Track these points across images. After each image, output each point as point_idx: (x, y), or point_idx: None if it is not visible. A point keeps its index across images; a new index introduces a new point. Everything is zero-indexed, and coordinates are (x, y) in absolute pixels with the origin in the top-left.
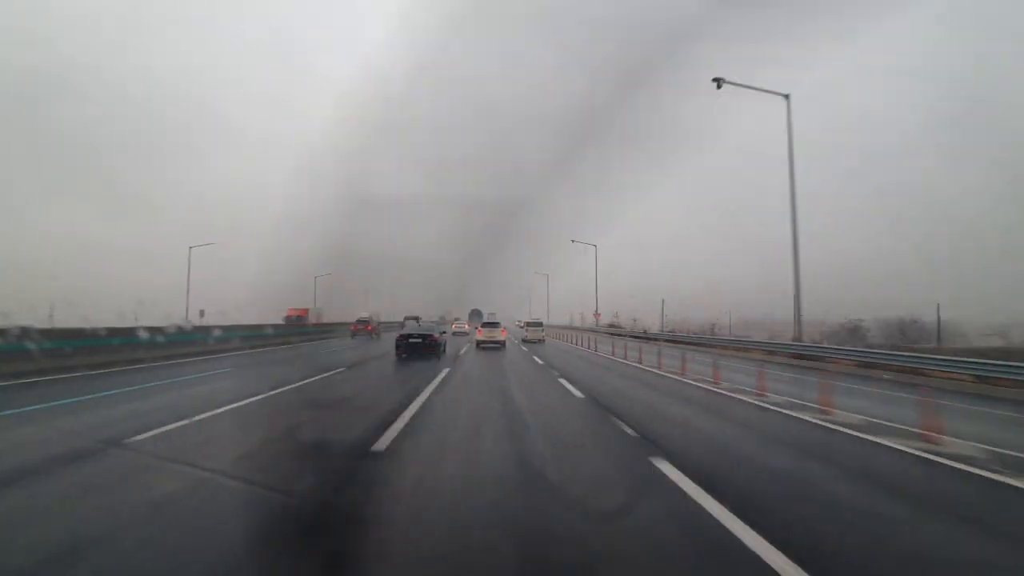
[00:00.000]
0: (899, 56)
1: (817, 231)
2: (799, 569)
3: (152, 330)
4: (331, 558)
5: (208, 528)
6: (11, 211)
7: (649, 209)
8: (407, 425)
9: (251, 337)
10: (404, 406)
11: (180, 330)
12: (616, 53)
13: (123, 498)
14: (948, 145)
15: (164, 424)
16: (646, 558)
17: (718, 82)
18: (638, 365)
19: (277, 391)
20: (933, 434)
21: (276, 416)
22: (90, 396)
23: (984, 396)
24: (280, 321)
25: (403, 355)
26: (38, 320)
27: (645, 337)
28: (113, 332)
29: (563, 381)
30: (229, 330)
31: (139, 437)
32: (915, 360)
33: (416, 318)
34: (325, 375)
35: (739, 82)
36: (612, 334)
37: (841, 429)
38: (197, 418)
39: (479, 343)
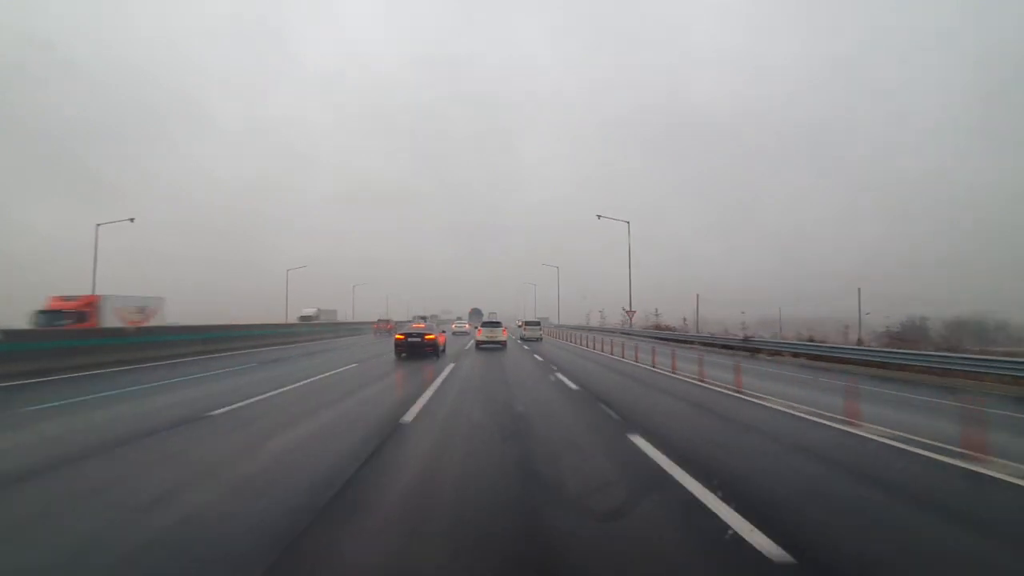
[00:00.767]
0: None
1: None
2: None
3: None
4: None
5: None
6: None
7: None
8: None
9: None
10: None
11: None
12: None
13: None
14: None
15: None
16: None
17: None
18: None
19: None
20: None
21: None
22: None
23: None
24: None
25: (403, 355)
26: None
27: (745, 348)
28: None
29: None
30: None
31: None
32: None
33: (424, 317)
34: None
35: None
36: (658, 338)
37: None
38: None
39: (479, 343)
